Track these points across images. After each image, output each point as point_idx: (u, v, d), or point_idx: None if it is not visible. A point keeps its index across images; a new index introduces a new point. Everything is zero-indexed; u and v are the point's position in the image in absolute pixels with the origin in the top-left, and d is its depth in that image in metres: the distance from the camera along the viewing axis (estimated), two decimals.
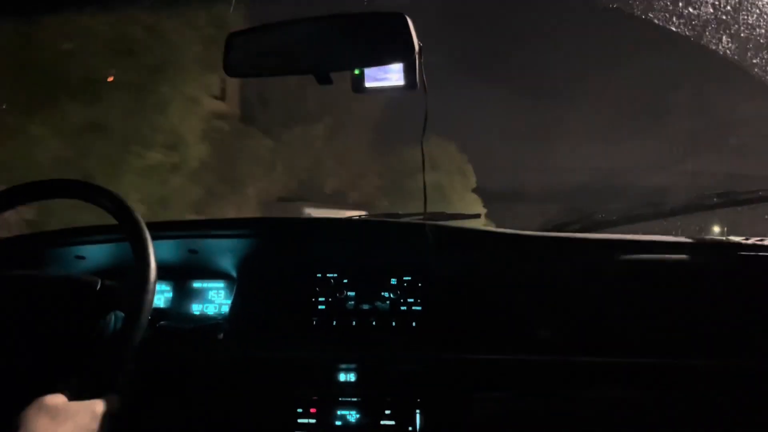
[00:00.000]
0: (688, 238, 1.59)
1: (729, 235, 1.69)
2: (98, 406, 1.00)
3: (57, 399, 0.94)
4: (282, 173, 13.04)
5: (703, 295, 1.40)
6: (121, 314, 1.22)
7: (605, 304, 1.42)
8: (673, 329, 1.38)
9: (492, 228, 1.60)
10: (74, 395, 0.98)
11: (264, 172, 12.00)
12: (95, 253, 1.61)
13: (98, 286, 1.21)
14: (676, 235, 1.64)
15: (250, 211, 11.04)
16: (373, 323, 1.48)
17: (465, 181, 15.46)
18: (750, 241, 1.54)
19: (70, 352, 1.12)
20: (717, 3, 1.60)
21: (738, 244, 1.53)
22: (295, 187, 13.80)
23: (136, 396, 1.42)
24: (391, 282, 1.52)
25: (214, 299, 1.65)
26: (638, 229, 1.75)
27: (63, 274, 1.29)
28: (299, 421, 1.44)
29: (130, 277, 1.20)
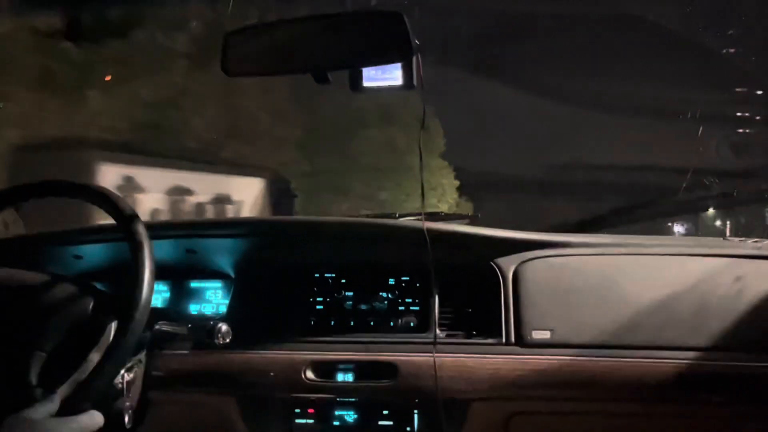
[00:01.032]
0: (687, 238, 1.58)
1: (729, 235, 1.69)
2: (78, 423, 0.93)
3: (34, 414, 0.87)
4: (102, 109, 7.05)
5: (702, 296, 1.39)
6: (119, 315, 1.21)
7: (605, 305, 1.41)
8: (672, 329, 1.37)
9: (490, 229, 1.59)
10: (63, 408, 0.93)
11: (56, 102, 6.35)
12: (93, 253, 1.61)
13: (95, 298, 1.19)
14: (675, 235, 1.64)
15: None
16: (371, 323, 1.48)
17: (429, 143, 12.88)
18: (749, 242, 1.54)
19: (63, 360, 1.11)
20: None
21: (738, 245, 1.53)
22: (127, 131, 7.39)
23: (133, 396, 1.42)
24: (389, 282, 1.52)
25: (212, 299, 1.65)
26: (637, 230, 1.75)
27: (57, 275, 1.27)
28: (297, 421, 1.44)
29: (128, 278, 1.19)
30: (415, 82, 1.18)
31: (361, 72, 1.22)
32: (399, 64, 1.19)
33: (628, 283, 1.43)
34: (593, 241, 1.56)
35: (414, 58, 1.13)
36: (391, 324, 1.47)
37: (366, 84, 1.23)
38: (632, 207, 1.76)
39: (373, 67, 1.21)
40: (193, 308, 1.65)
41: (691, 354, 1.34)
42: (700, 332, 1.36)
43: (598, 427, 1.42)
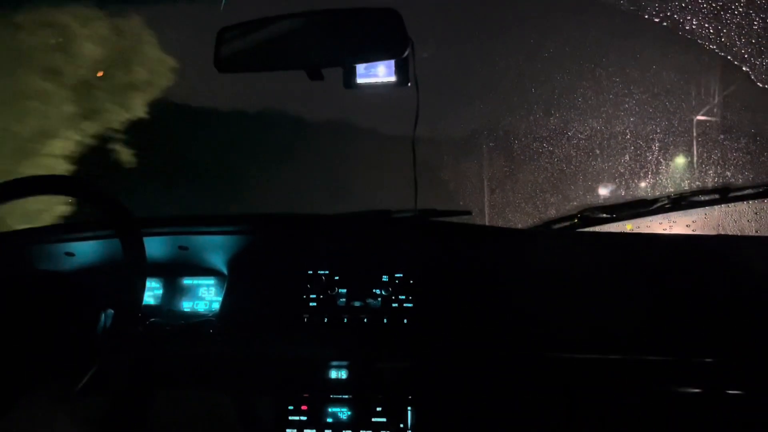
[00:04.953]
0: (695, 231, 1.57)
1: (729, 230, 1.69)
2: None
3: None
4: None
5: (701, 291, 1.40)
6: (111, 312, 1.21)
7: (600, 300, 1.41)
8: (671, 325, 1.37)
9: (484, 224, 1.60)
10: (58, 396, 0.95)
11: None
12: (85, 250, 1.59)
13: (86, 286, 1.19)
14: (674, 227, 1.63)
15: None
16: (365, 320, 1.48)
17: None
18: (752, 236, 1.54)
19: (57, 352, 1.10)
20: None
21: (738, 239, 1.53)
22: None
23: (127, 393, 1.41)
24: (383, 279, 1.52)
25: (205, 296, 1.64)
26: (637, 224, 1.74)
27: (50, 273, 1.26)
28: (290, 418, 1.44)
29: (120, 274, 1.19)
30: (409, 78, 1.18)
31: (354, 69, 1.22)
32: (392, 61, 1.20)
33: (625, 278, 1.43)
34: (588, 234, 1.56)
35: (408, 55, 1.13)
36: (385, 321, 1.47)
37: (359, 81, 1.22)
38: (630, 201, 1.73)
39: (367, 64, 1.21)
40: (186, 305, 1.64)
41: (693, 349, 1.34)
42: (699, 327, 1.36)
43: (608, 419, 1.42)
